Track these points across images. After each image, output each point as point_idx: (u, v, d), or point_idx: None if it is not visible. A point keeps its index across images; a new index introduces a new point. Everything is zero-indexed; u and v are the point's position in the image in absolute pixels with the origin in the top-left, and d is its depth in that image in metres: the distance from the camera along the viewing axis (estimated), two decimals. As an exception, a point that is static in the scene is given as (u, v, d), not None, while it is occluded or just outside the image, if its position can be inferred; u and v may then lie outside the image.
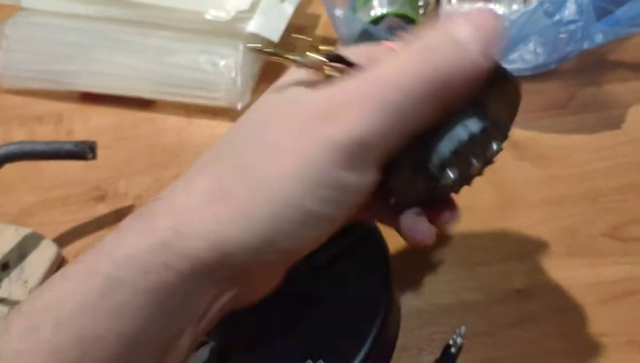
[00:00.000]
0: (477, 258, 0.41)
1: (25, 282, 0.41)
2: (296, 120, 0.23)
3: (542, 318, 0.38)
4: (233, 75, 0.49)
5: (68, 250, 0.44)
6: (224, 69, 0.49)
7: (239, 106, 0.50)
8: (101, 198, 0.48)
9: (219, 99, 0.50)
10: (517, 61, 0.44)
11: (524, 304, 0.39)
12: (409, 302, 0.39)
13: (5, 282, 0.41)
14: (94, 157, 0.42)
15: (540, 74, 0.49)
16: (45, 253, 0.42)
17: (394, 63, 0.23)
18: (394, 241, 0.34)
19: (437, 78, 0.22)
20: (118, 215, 0.46)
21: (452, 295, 0.39)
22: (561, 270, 0.40)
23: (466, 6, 0.49)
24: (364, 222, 0.34)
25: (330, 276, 0.32)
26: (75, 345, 0.21)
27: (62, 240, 0.44)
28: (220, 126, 0.52)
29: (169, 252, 0.22)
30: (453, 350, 0.33)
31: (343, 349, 0.29)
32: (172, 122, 0.53)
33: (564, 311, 0.38)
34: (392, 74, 0.22)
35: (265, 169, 0.22)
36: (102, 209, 0.47)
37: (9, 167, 0.42)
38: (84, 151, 0.41)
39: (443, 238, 0.42)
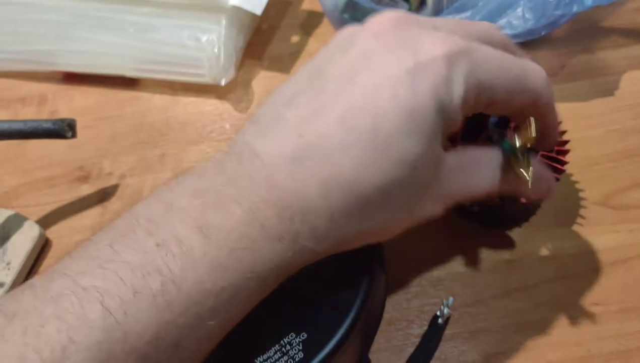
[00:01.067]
0: (465, 230, 0.40)
1: (8, 263, 0.40)
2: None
3: (533, 289, 0.37)
4: (216, 50, 0.48)
5: (52, 231, 0.44)
6: (207, 44, 0.48)
7: (223, 82, 0.48)
8: (85, 178, 0.47)
9: (203, 76, 0.49)
10: (505, 27, 0.43)
11: (513, 274, 0.38)
12: (396, 275, 0.38)
13: (-10, 261, 0.40)
14: (73, 136, 0.41)
15: (531, 42, 0.48)
16: (28, 234, 0.42)
17: None
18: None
19: None
20: (102, 195, 0.46)
21: (440, 267, 0.39)
22: (552, 239, 0.39)
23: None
24: None
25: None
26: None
27: (46, 222, 0.44)
28: (205, 103, 0.51)
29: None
30: (440, 321, 0.32)
31: (326, 322, 0.28)
32: (156, 100, 0.52)
33: (555, 280, 0.37)
34: None
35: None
36: (86, 189, 0.46)
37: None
38: (62, 129, 0.40)
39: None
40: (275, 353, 0.28)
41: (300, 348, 0.28)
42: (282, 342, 0.28)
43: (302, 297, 0.29)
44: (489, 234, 0.40)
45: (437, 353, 0.34)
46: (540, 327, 0.36)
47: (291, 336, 0.28)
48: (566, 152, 0.35)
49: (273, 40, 0.55)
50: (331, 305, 0.29)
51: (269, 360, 0.27)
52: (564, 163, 0.35)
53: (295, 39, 0.56)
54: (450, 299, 0.33)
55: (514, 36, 0.45)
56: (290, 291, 0.29)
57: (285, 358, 0.27)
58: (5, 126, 0.39)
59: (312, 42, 0.56)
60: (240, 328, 0.28)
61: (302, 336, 0.28)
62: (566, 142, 0.36)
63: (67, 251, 0.42)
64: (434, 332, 0.33)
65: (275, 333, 0.28)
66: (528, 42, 0.48)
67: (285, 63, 0.53)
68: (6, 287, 0.39)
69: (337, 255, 0.31)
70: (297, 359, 0.27)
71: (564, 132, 0.36)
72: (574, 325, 0.35)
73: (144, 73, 0.52)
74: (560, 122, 0.33)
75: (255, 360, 0.27)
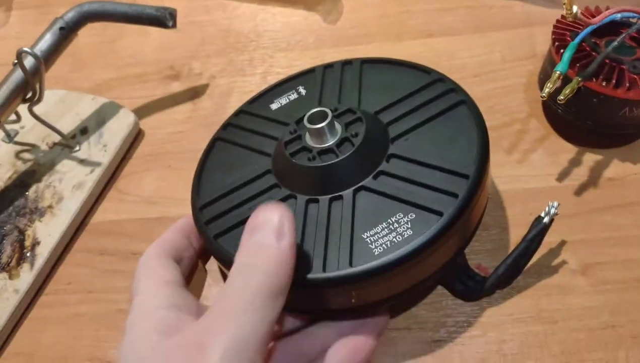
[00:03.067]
0: (567, 149, 0.39)
1: (105, 146, 0.41)
2: None
3: (634, 206, 0.36)
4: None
5: (144, 122, 0.44)
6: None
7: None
8: (175, 77, 0.47)
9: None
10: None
11: (615, 191, 0.37)
12: (493, 185, 0.38)
13: (85, 145, 0.41)
14: (174, 25, 0.41)
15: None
16: (123, 120, 0.42)
17: None
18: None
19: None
20: (193, 93, 0.46)
21: (540, 179, 0.38)
22: (657, 161, 0.38)
23: None
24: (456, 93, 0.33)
25: (421, 139, 0.31)
26: None
27: (139, 113, 0.44)
28: (294, 14, 0.50)
29: None
30: (546, 220, 0.32)
31: (436, 205, 0.28)
32: (244, 8, 0.52)
33: (658, 200, 0.36)
34: None
35: None
36: (177, 87, 0.47)
37: (83, 43, 0.41)
38: (165, 17, 0.40)
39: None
40: (382, 229, 0.28)
41: (409, 226, 0.27)
42: (389, 220, 0.28)
43: (413, 181, 0.29)
44: (591, 152, 0.39)
45: (534, 261, 0.34)
46: (637, 244, 0.35)
47: (399, 216, 0.28)
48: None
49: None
50: (441, 190, 0.29)
51: (376, 236, 0.27)
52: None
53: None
54: (556, 202, 0.32)
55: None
56: (400, 176, 0.29)
57: (394, 234, 0.27)
58: (111, 7, 0.39)
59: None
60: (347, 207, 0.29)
61: (410, 216, 0.28)
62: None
63: (160, 141, 0.43)
64: (538, 232, 0.32)
65: (383, 213, 0.28)
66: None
67: (376, -21, 0.52)
68: (103, 166, 0.40)
69: (445, 148, 0.30)
70: (405, 236, 0.27)
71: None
72: (676, 245, 0.34)
73: (234, -21, 0.51)
74: None
75: (363, 235, 0.27)
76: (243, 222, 0.28)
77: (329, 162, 0.29)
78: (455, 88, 0.33)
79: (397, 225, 0.28)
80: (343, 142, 0.29)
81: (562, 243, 0.35)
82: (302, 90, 0.35)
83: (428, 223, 0.27)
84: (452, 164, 0.29)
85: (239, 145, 0.33)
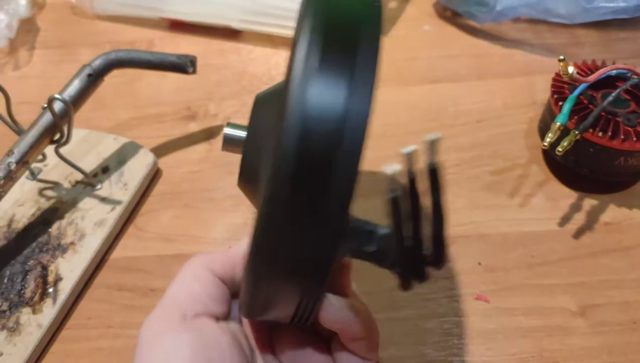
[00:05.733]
0: (566, 194, 0.41)
1: (125, 184, 0.43)
2: None
3: (630, 250, 0.38)
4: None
5: (162, 161, 0.46)
6: None
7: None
8: (192, 117, 0.50)
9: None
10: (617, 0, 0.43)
11: (612, 236, 0.39)
12: (497, 227, 0.40)
13: (106, 183, 0.43)
14: (194, 71, 0.43)
15: (636, 20, 0.48)
16: (143, 160, 0.44)
17: None
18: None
19: None
20: (209, 133, 0.48)
21: (541, 223, 0.40)
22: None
23: None
24: None
25: None
26: None
27: (157, 152, 0.46)
28: (305, 58, 0.53)
29: None
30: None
31: None
32: (258, 52, 0.55)
33: (654, 245, 0.38)
34: None
35: None
36: (193, 127, 0.49)
37: (104, 84, 0.43)
38: (186, 64, 0.43)
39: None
40: None
41: None
42: None
43: None
44: (589, 197, 0.41)
45: (535, 303, 0.36)
46: (637, 285, 0.37)
47: None
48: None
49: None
50: None
51: None
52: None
53: (393, 4, 0.57)
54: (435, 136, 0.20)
55: (622, 10, 0.46)
56: None
57: None
58: (136, 55, 0.42)
59: (410, 9, 0.57)
60: None
61: None
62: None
63: (177, 179, 0.45)
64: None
65: None
66: (633, 20, 0.49)
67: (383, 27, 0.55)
68: (123, 204, 0.42)
69: None
70: None
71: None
72: (671, 288, 0.36)
73: (248, 25, 0.54)
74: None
75: None
76: None
77: None
78: None
79: None
80: None
81: (562, 285, 0.37)
82: None
83: None
84: None
85: None
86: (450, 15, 0.56)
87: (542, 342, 0.34)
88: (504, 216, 0.40)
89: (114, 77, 0.44)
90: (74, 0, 0.60)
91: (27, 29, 0.60)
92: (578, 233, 0.39)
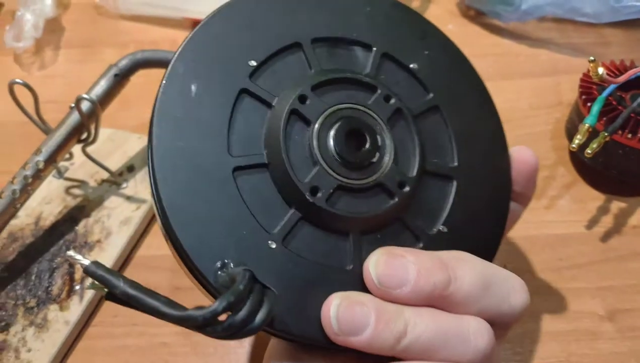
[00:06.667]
0: (594, 197, 0.41)
1: (150, 183, 0.43)
2: None
3: (660, 254, 0.37)
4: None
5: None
6: None
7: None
8: (215, 117, 0.50)
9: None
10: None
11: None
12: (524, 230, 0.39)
13: (132, 182, 0.44)
14: (218, 71, 0.43)
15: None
16: (167, 159, 0.45)
17: None
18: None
19: None
20: (232, 133, 0.48)
21: (568, 225, 0.39)
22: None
23: None
24: None
25: None
26: None
27: (181, 151, 0.47)
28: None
29: None
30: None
31: None
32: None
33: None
34: None
35: None
36: (216, 127, 0.49)
37: (130, 84, 0.44)
38: (210, 64, 0.43)
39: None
40: None
41: None
42: None
43: None
44: (617, 200, 0.40)
45: (562, 307, 0.35)
46: (667, 291, 0.36)
47: None
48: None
49: (395, 3, 0.56)
50: None
51: None
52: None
53: (416, 3, 0.57)
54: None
55: None
56: None
57: None
58: (162, 55, 0.42)
59: (433, 8, 0.57)
60: None
61: None
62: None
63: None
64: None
65: None
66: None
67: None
68: (148, 203, 0.42)
69: None
70: None
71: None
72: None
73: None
74: None
75: None
76: None
77: None
78: None
79: None
80: None
81: (590, 289, 0.36)
82: None
83: None
84: None
85: None
86: (474, 15, 0.56)
87: (570, 346, 0.34)
88: (530, 218, 0.40)
89: (139, 77, 0.44)
90: (98, 0, 0.60)
91: (52, 28, 0.60)
92: (606, 237, 0.39)
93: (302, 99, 0.24)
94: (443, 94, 0.28)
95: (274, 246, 0.22)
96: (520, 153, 0.28)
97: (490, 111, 0.30)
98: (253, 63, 0.25)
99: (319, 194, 0.23)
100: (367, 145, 0.24)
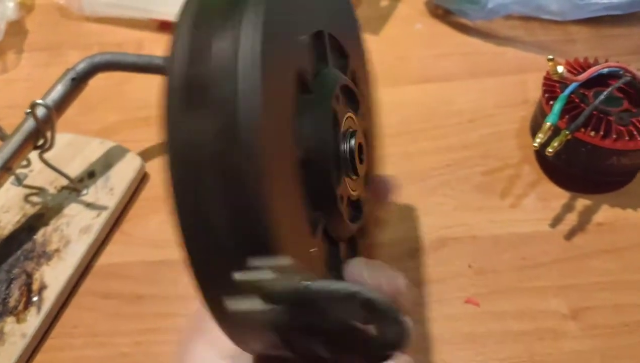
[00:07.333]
0: (557, 194, 0.41)
1: (112, 189, 0.42)
2: None
3: (623, 251, 0.37)
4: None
5: (151, 165, 0.46)
6: None
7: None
8: (180, 120, 0.49)
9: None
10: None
11: (604, 236, 0.38)
12: (488, 229, 0.39)
13: (92, 188, 0.43)
14: (180, 74, 0.43)
15: (630, 16, 0.48)
16: (130, 164, 0.44)
17: None
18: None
19: None
20: (197, 136, 0.48)
21: (532, 224, 0.39)
22: (644, 206, 0.39)
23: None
24: None
25: None
26: None
27: (145, 156, 0.46)
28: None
29: None
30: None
31: None
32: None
33: (647, 246, 0.37)
34: None
35: None
36: (181, 130, 0.48)
37: (91, 87, 0.43)
38: (171, 66, 0.42)
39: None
40: None
41: None
42: None
43: None
44: (581, 198, 0.40)
45: (526, 306, 0.35)
46: (629, 287, 0.36)
47: None
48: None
49: (363, 2, 0.56)
50: None
51: None
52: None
53: (384, 2, 0.57)
54: None
55: (615, 6, 0.45)
56: None
57: None
58: (122, 58, 0.41)
59: (402, 7, 0.57)
60: None
61: None
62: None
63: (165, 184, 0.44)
64: None
65: None
66: (626, 17, 0.48)
67: (374, 26, 0.54)
68: (109, 210, 0.41)
69: None
70: None
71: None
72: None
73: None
74: None
75: None
76: None
77: None
78: None
79: None
80: None
81: (554, 287, 0.36)
82: None
83: None
84: None
85: None
86: (442, 14, 0.55)
87: (533, 346, 0.34)
88: (495, 217, 0.40)
89: (101, 80, 0.43)
90: (62, 2, 0.59)
91: (15, 31, 0.59)
92: (570, 235, 0.39)
93: None
94: None
95: None
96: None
97: None
98: None
99: None
100: None
